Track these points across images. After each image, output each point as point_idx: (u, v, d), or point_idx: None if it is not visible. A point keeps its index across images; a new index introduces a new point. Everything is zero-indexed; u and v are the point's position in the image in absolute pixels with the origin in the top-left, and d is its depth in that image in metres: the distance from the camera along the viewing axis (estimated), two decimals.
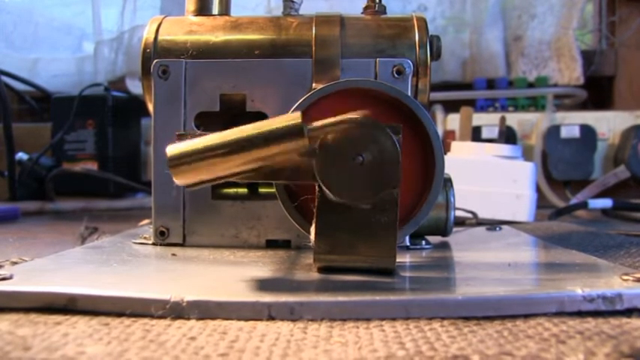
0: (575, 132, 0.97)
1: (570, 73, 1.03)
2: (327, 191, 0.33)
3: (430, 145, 0.38)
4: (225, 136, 0.31)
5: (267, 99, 0.44)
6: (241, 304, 0.28)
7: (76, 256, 0.40)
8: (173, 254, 0.41)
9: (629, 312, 0.28)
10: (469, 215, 0.67)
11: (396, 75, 0.43)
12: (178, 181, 0.31)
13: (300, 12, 0.47)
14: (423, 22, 0.45)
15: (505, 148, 0.75)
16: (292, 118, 0.31)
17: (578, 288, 0.28)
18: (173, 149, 0.31)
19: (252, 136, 0.31)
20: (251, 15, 0.47)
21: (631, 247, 0.46)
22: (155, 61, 0.45)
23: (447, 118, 1.00)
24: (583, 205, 0.79)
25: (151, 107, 0.46)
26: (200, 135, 0.32)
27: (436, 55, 0.45)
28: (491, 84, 1.05)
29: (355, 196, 0.33)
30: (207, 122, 0.45)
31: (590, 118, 0.98)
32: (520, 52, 1.06)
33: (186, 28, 0.46)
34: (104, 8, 1.18)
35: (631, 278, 0.30)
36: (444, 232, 0.47)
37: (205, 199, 0.45)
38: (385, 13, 0.47)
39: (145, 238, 0.47)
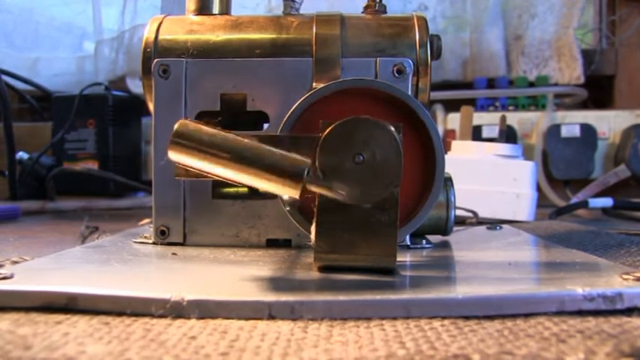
0: (576, 131, 0.97)
1: (571, 72, 1.03)
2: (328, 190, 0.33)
3: (431, 145, 0.38)
4: (233, 141, 0.31)
5: (268, 98, 0.44)
6: (242, 303, 0.28)
7: (76, 256, 0.40)
8: (173, 253, 0.41)
9: (629, 311, 0.28)
10: (469, 214, 0.67)
11: (396, 74, 0.43)
12: (171, 156, 0.32)
13: (301, 11, 0.47)
14: (423, 22, 0.45)
15: (505, 148, 0.75)
16: (300, 162, 0.31)
17: (579, 287, 0.28)
18: (183, 126, 0.31)
19: (255, 157, 0.31)
20: (251, 14, 0.47)
21: (631, 246, 0.46)
22: (156, 60, 0.45)
23: (448, 117, 1.00)
24: (583, 204, 0.79)
25: (151, 106, 0.46)
26: (212, 126, 0.32)
27: (436, 54, 0.45)
28: (491, 83, 1.05)
29: (356, 195, 0.33)
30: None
31: (591, 117, 0.98)
32: (520, 52, 1.06)
33: (186, 28, 0.46)
34: (105, 7, 1.18)
35: (631, 277, 0.30)
36: (445, 231, 0.47)
37: (206, 199, 0.45)
38: (385, 12, 0.47)
39: (145, 237, 0.47)
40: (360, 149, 0.33)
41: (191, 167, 0.32)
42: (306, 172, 0.31)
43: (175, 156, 0.32)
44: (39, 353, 0.22)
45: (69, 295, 0.28)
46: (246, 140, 0.32)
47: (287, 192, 0.31)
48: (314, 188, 0.32)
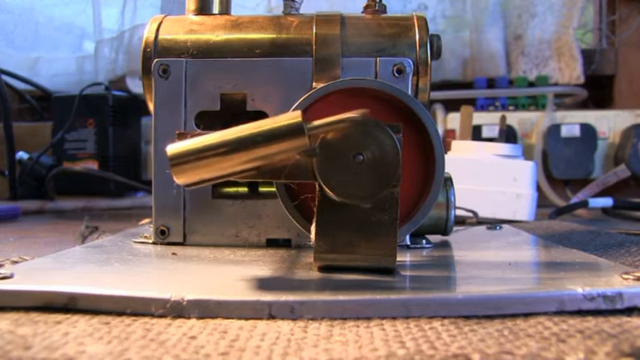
0: (576, 131, 0.97)
1: (571, 72, 1.02)
2: (328, 190, 0.33)
3: (430, 144, 0.38)
4: (225, 135, 0.31)
5: (268, 98, 0.44)
6: (242, 303, 0.28)
7: (76, 255, 0.40)
8: (173, 253, 0.41)
9: (629, 311, 0.28)
10: (469, 214, 0.67)
11: (396, 74, 0.43)
12: (179, 180, 0.31)
13: (301, 11, 0.47)
14: (423, 21, 0.45)
15: (505, 147, 0.75)
16: (293, 116, 0.31)
17: (579, 287, 0.28)
18: (174, 148, 0.31)
19: (252, 135, 0.31)
20: (251, 14, 0.47)
21: (631, 246, 0.46)
22: (156, 60, 0.45)
23: (448, 117, 1.00)
24: (583, 204, 0.79)
25: (151, 106, 0.46)
26: (200, 134, 0.32)
27: (436, 54, 0.45)
28: (491, 83, 1.05)
29: (355, 195, 0.33)
30: (208, 121, 0.45)
31: (591, 117, 0.98)
32: (520, 51, 1.06)
33: (186, 27, 0.46)
34: (105, 7, 1.18)
35: (631, 277, 0.30)
36: (445, 231, 0.47)
37: (206, 199, 0.45)
38: (385, 12, 0.47)
39: (145, 237, 0.47)
40: (360, 149, 0.33)
41: (204, 180, 0.32)
42: (302, 119, 0.31)
43: (183, 178, 0.31)
44: (39, 353, 0.22)
45: (69, 294, 0.28)
46: (233, 128, 0.32)
47: (297, 147, 0.31)
48: (318, 129, 0.32)
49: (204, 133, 0.32)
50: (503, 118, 0.85)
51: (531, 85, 1.04)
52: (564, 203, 0.88)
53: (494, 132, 0.90)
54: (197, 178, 0.32)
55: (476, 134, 0.93)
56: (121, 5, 1.15)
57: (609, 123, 0.98)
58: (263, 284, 0.31)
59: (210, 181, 0.32)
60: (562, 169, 0.97)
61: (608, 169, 0.96)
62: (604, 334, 0.24)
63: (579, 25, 1.06)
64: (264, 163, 0.32)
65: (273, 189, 0.39)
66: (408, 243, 0.45)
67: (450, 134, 0.97)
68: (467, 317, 0.27)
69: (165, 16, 0.48)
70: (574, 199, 0.90)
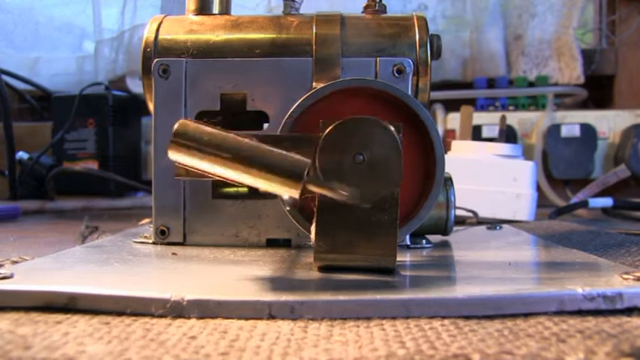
0: (576, 131, 0.97)
1: (571, 72, 1.02)
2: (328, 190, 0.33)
3: (431, 144, 0.38)
4: (233, 141, 0.31)
5: (268, 98, 0.44)
6: (242, 303, 0.28)
7: (76, 255, 0.40)
8: (173, 253, 0.41)
9: (629, 311, 0.28)
10: (469, 214, 0.67)
11: (396, 74, 0.43)
12: (171, 156, 0.32)
13: (301, 11, 0.47)
14: (423, 21, 0.45)
15: (505, 147, 0.75)
16: (300, 162, 0.31)
17: (579, 287, 0.28)
18: (182, 127, 0.31)
19: (255, 157, 0.31)
20: (251, 14, 0.47)
21: (631, 246, 0.46)
22: (156, 60, 0.45)
23: (448, 117, 1.00)
24: (583, 204, 0.79)
25: (151, 106, 0.46)
26: (212, 125, 0.32)
27: (436, 54, 0.45)
28: (491, 83, 1.05)
29: (356, 195, 0.33)
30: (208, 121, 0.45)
31: (591, 117, 0.98)
32: (520, 51, 1.06)
33: (186, 27, 0.46)
34: (105, 7, 1.18)
35: (631, 277, 0.30)
36: (445, 231, 0.47)
37: (206, 199, 0.45)
38: (385, 12, 0.47)
39: (145, 237, 0.47)
40: (360, 149, 0.33)
41: (191, 167, 0.32)
42: (306, 171, 0.31)
43: (175, 156, 0.32)
44: (39, 353, 0.22)
45: (69, 294, 0.28)
46: (246, 140, 0.32)
47: (287, 192, 0.31)
48: (314, 188, 0.32)
49: (216, 127, 0.32)
50: (503, 118, 0.85)
51: (531, 85, 1.04)
52: (564, 203, 0.88)
53: (494, 132, 0.90)
54: (187, 163, 0.32)
55: (476, 134, 0.93)
56: (121, 5, 1.15)
57: (609, 123, 0.98)
58: (263, 284, 0.31)
59: (200, 174, 0.32)
60: (562, 169, 0.97)
61: (608, 169, 0.96)
62: (604, 334, 0.24)
63: (579, 25, 1.06)
64: (254, 185, 0.32)
65: None
66: (408, 243, 0.45)
67: (450, 134, 0.97)
68: (467, 317, 0.27)
69: (165, 16, 0.48)
70: (574, 199, 0.90)
